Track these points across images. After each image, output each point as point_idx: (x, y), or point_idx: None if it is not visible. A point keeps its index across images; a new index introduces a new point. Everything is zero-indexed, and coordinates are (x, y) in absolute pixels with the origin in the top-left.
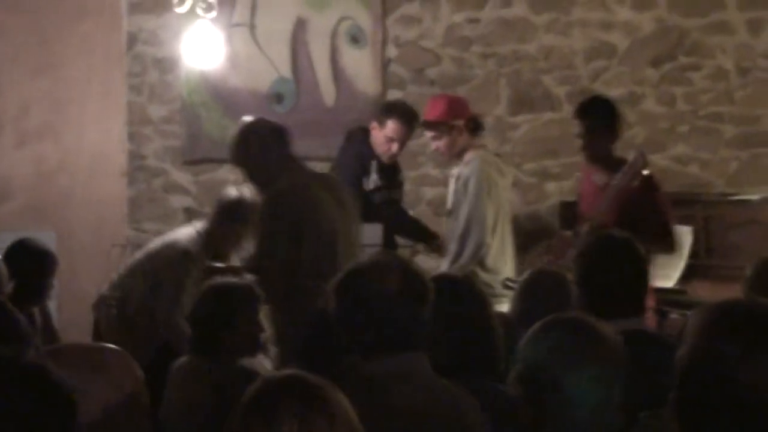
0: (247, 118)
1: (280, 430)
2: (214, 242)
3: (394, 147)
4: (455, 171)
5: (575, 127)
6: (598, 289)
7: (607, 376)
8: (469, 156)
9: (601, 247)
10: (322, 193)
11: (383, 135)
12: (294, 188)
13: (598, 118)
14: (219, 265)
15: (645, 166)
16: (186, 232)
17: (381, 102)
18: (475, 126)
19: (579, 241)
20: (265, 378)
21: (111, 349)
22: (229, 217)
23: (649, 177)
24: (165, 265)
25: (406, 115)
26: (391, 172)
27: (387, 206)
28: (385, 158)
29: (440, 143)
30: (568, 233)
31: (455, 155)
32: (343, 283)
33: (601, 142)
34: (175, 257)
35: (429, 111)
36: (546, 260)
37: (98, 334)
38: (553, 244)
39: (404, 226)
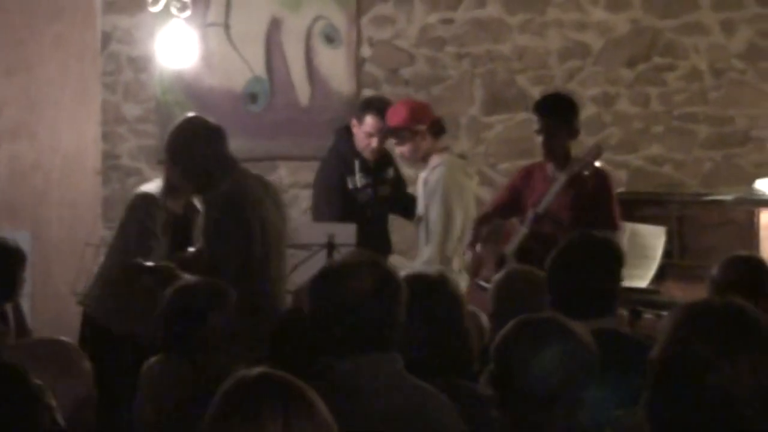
0: (186, 117)
1: (264, 430)
2: (171, 184)
3: (374, 142)
4: (423, 175)
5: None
6: (570, 288)
7: (579, 376)
8: (435, 160)
9: (573, 246)
10: (263, 194)
11: (362, 131)
12: (240, 189)
13: (558, 115)
14: (150, 264)
15: (598, 156)
16: (153, 182)
17: (358, 100)
18: (437, 130)
19: (523, 230)
20: (242, 377)
21: (63, 342)
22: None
23: (601, 170)
24: (127, 210)
25: (383, 109)
26: (378, 168)
27: (375, 205)
28: (366, 154)
29: (404, 149)
30: (514, 220)
31: (420, 159)
32: (318, 282)
33: (560, 139)
34: (135, 201)
35: (391, 117)
36: (488, 248)
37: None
38: (496, 231)
39: (407, 211)
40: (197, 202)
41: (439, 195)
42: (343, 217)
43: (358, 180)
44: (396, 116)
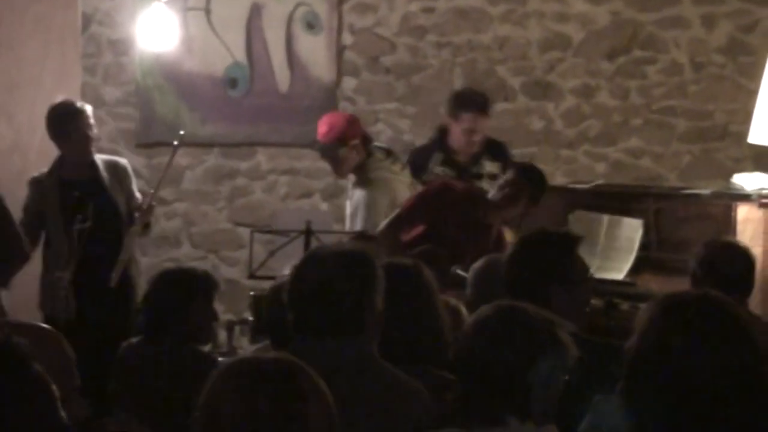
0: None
1: (255, 409)
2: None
3: (476, 137)
4: (357, 192)
5: (530, 117)
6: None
7: (552, 362)
8: (365, 174)
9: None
10: None
11: (459, 128)
12: None
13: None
14: None
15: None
16: None
17: (338, 87)
18: (367, 143)
19: None
20: (240, 359)
21: (45, 328)
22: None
23: None
24: None
25: (482, 104)
26: (466, 163)
27: None
28: (466, 150)
29: (336, 164)
30: None
31: (350, 171)
32: (299, 268)
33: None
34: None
35: (324, 132)
36: None
37: None
38: None
39: None
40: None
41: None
42: None
43: (435, 175)
44: (331, 131)
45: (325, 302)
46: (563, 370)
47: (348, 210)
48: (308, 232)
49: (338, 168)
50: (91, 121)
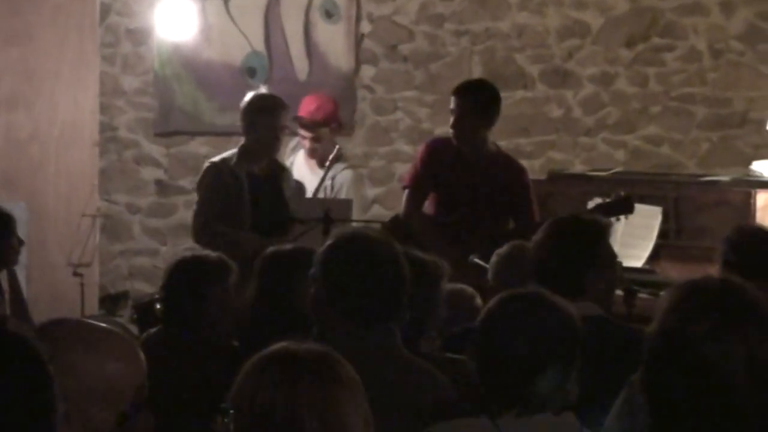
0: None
1: (293, 398)
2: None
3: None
4: (340, 175)
5: (549, 104)
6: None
7: (564, 351)
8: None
9: (560, 225)
10: None
11: None
12: None
13: (473, 100)
14: None
15: None
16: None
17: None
18: (340, 128)
19: None
20: (277, 349)
21: (113, 332)
22: None
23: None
24: None
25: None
26: None
27: None
28: None
29: (318, 145)
30: None
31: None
32: (322, 255)
33: (469, 124)
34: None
35: (312, 111)
36: None
37: None
38: None
39: None
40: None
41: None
42: None
43: None
44: (320, 110)
45: (353, 292)
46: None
47: (311, 191)
48: (327, 221)
49: (314, 148)
50: (284, 122)
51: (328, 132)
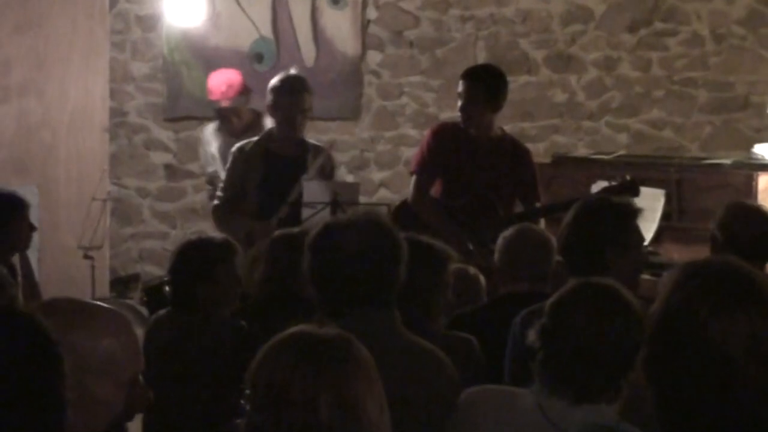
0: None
1: (311, 378)
2: None
3: None
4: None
5: (553, 89)
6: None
7: (628, 344)
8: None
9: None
10: None
11: None
12: None
13: (481, 85)
14: None
15: None
16: None
17: (363, 61)
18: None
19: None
20: (294, 332)
21: (105, 308)
22: None
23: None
24: None
25: None
26: None
27: None
28: None
29: (238, 119)
30: None
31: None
32: (317, 239)
33: (477, 108)
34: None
35: (224, 91)
36: None
37: None
38: None
39: None
40: None
41: None
42: None
43: None
44: (232, 88)
45: (350, 275)
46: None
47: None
48: (335, 204)
49: (238, 122)
50: (307, 105)
51: (245, 102)
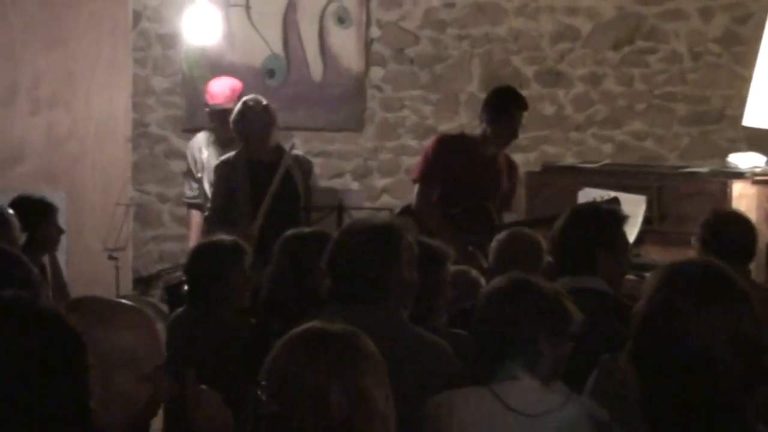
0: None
1: (323, 370)
2: None
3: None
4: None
5: (542, 102)
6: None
7: (556, 329)
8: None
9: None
10: None
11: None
12: None
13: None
14: None
15: None
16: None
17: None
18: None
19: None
20: (309, 327)
21: (126, 305)
22: None
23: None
24: None
25: None
26: None
27: None
28: None
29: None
30: None
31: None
32: (338, 240)
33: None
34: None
35: (228, 95)
36: None
37: None
38: None
39: None
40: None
41: None
42: None
43: None
44: (235, 93)
45: (352, 272)
46: (569, 337)
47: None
48: (340, 209)
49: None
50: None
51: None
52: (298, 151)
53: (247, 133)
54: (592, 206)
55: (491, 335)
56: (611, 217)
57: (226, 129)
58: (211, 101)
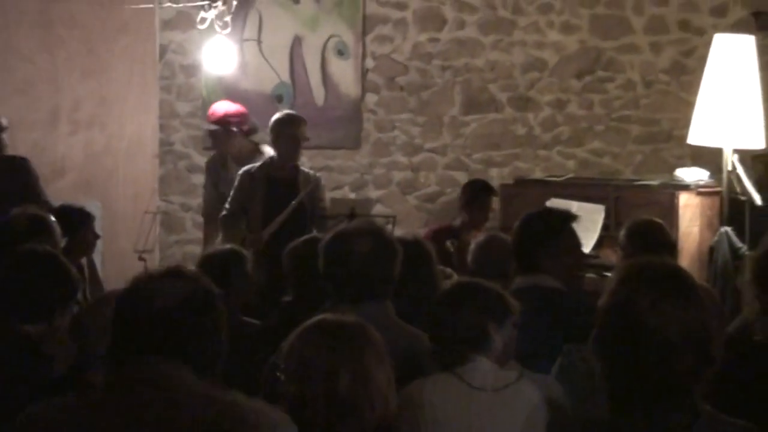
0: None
1: (336, 356)
2: None
3: None
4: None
5: (515, 124)
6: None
7: (499, 318)
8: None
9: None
10: None
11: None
12: None
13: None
14: None
15: None
16: None
17: (362, 101)
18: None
19: None
20: (322, 318)
21: None
22: None
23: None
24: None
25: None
26: None
27: None
28: None
29: (218, 141)
30: None
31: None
32: (328, 244)
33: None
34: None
35: (242, 112)
36: None
37: None
38: None
39: None
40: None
41: None
42: None
43: None
44: (220, 111)
45: (352, 273)
46: (513, 325)
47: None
48: (352, 215)
49: (233, 139)
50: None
51: (229, 128)
52: (304, 168)
53: (283, 142)
54: (540, 211)
55: (450, 329)
56: (554, 219)
57: (215, 145)
58: (213, 116)
